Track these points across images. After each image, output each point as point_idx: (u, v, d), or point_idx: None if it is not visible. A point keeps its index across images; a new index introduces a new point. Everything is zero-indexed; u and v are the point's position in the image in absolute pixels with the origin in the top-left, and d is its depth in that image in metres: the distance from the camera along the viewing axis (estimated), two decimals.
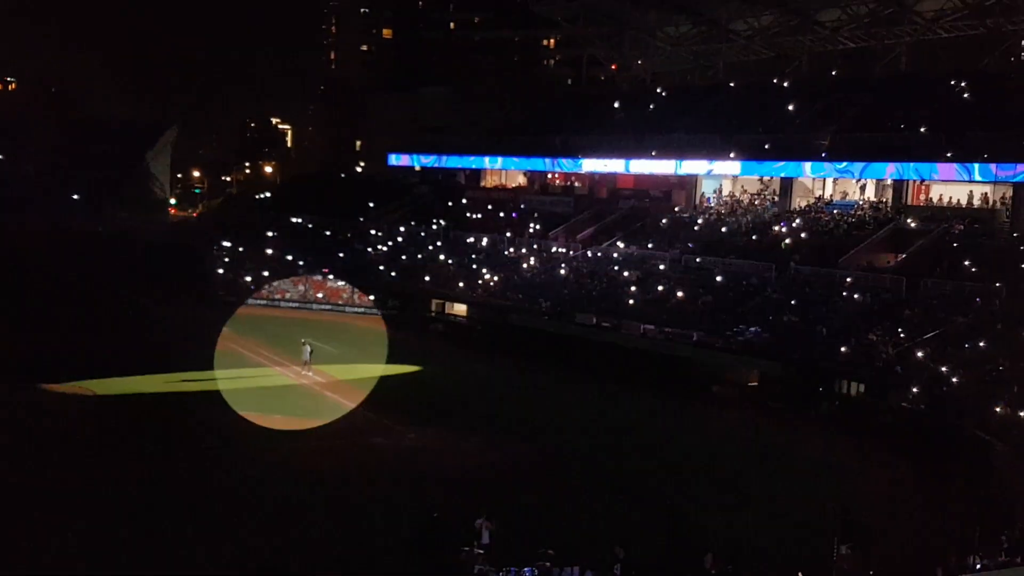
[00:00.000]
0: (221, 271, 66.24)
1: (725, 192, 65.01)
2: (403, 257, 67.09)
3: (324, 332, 49.92)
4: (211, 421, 34.39)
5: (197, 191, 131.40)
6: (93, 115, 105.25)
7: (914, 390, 37.26)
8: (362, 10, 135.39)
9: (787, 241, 54.01)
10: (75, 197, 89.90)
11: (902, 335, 41.33)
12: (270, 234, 73.68)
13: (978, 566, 19.62)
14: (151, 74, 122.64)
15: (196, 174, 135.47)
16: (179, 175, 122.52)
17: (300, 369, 42.68)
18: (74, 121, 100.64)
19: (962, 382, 36.16)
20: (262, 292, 61.63)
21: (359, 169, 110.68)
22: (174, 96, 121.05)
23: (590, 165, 68.94)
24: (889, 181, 55.31)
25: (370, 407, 37.08)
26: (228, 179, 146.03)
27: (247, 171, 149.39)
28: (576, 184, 74.67)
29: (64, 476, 27.25)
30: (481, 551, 22.00)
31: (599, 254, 60.45)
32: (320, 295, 61.80)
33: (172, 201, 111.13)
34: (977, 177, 49.69)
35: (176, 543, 22.81)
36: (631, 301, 51.60)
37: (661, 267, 55.70)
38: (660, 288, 52.63)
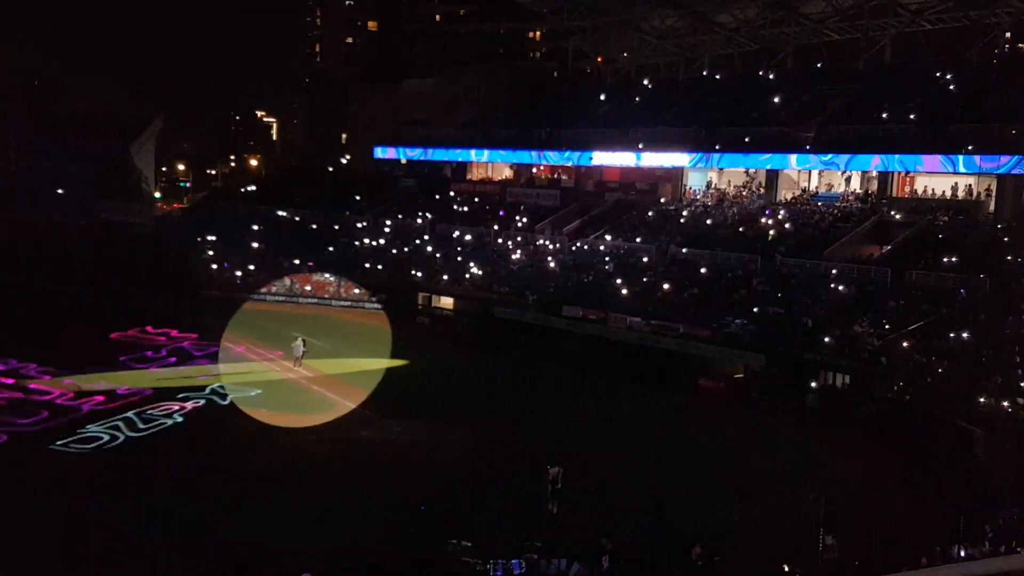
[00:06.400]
0: (206, 265, 65.92)
1: (711, 184, 65.18)
2: (393, 251, 66.90)
3: (310, 326, 49.77)
4: (199, 417, 34.44)
5: (182, 185, 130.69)
6: (76, 109, 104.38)
7: (899, 381, 37.45)
8: (347, 2, 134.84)
9: (771, 232, 54.20)
10: (59, 191, 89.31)
11: (887, 326, 41.54)
12: (255, 228, 73.38)
13: (962, 555, 19.76)
14: (134, 67, 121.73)
15: (181, 167, 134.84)
16: (163, 169, 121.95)
17: (290, 364, 42.56)
18: (56, 115, 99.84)
19: (946, 373, 36.37)
20: (248, 286, 61.50)
21: (344, 162, 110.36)
22: (158, 89, 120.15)
23: (576, 158, 68.91)
24: (874, 173, 55.56)
25: (351, 398, 37.09)
26: (213, 172, 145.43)
27: (232, 164, 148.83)
28: (562, 177, 74.67)
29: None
30: (468, 544, 22.05)
31: (585, 247, 60.49)
32: (307, 288, 61.63)
33: (157, 195, 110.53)
34: (961, 169, 49.89)
35: (161, 541, 22.79)
36: (622, 292, 51.59)
37: (647, 259, 55.81)
38: (645, 280, 52.73)
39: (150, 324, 49.45)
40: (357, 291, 60.47)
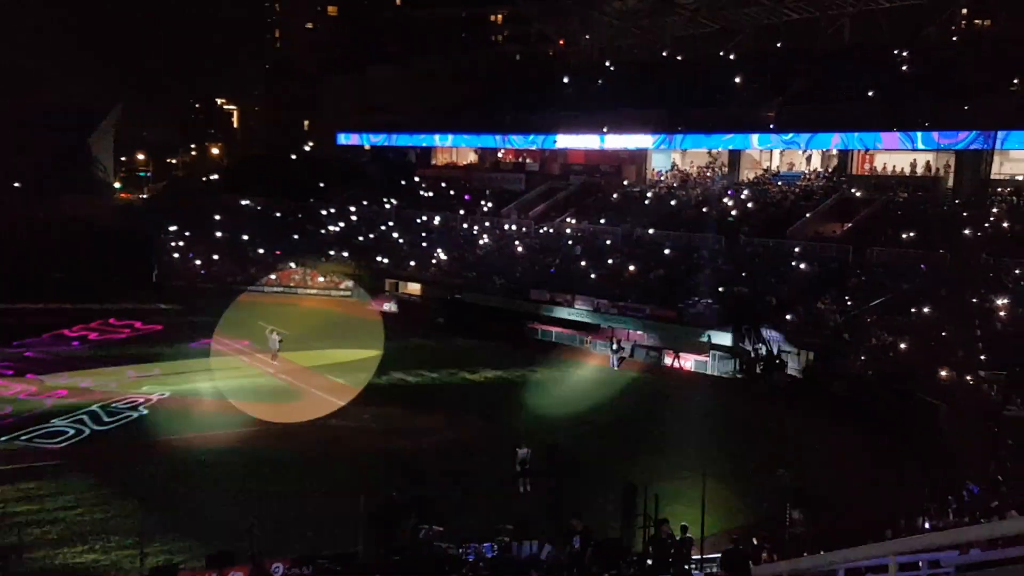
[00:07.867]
0: (169, 256, 65.25)
1: (675, 166, 65.45)
2: (359, 238, 66.56)
3: (279, 316, 49.36)
4: (171, 408, 34.22)
5: (143, 174, 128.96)
6: (31, 98, 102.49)
7: (862, 357, 37.97)
8: None
9: (734, 212, 54.54)
10: (16, 185, 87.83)
11: (849, 303, 42.05)
12: (218, 217, 72.68)
13: (927, 526, 20.08)
14: (91, 55, 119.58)
15: (141, 157, 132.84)
16: (123, 158, 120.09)
17: (266, 358, 41.97)
18: (11, 105, 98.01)
19: (908, 347, 36.90)
20: (212, 276, 61.07)
21: (308, 149, 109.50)
22: (115, 78, 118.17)
23: (540, 141, 68.91)
24: (834, 151, 56.05)
25: (327, 390, 36.98)
26: (174, 161, 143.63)
27: (193, 153, 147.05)
28: (527, 160, 74.64)
29: None
30: (440, 528, 22.08)
31: (551, 230, 60.55)
32: (272, 277, 61.21)
33: (117, 185, 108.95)
34: (920, 145, 50.48)
35: (133, 529, 22.62)
36: (591, 275, 51.67)
37: (610, 242, 55.97)
38: (611, 262, 52.91)
39: (112, 316, 48.90)
40: (321, 280, 60.24)
